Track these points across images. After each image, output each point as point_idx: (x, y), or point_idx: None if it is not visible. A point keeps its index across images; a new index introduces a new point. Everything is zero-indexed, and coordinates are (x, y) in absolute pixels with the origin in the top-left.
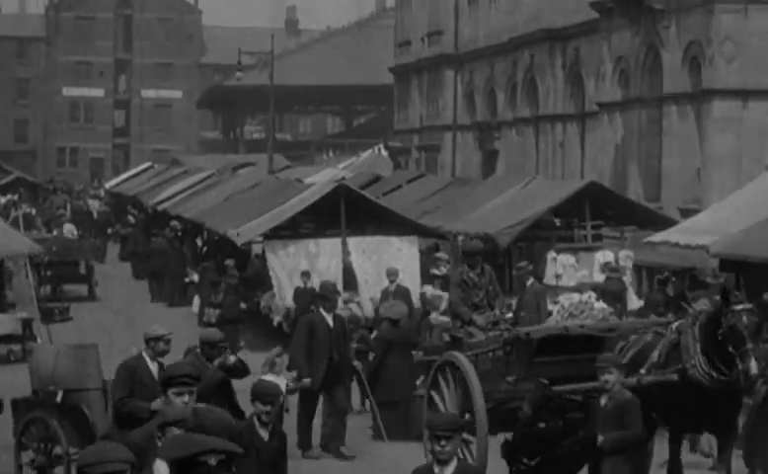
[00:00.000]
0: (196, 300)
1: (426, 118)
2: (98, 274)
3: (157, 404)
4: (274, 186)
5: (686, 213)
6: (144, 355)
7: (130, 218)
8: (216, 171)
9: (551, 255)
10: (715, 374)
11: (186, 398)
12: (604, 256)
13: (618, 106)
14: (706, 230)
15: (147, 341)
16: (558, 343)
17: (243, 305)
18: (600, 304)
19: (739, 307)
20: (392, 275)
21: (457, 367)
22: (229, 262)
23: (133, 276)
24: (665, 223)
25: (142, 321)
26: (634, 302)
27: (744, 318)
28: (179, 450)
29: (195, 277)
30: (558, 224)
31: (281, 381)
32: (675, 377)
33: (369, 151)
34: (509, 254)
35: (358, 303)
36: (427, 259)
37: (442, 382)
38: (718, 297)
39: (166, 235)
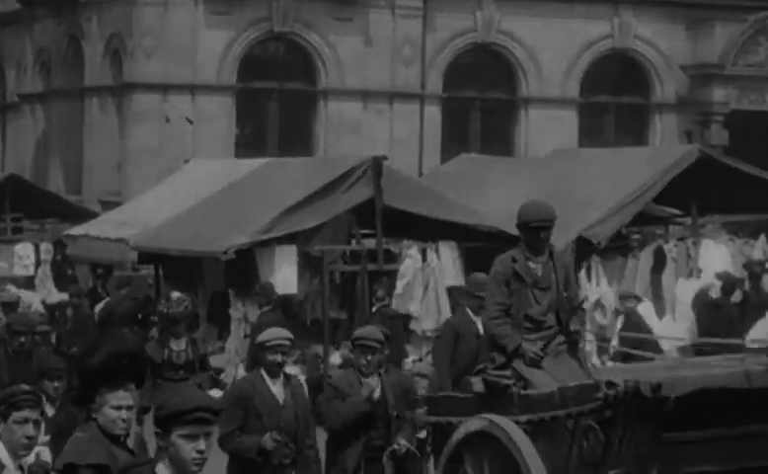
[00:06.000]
0: None
1: None
2: None
3: (266, 440)
4: None
5: (107, 206)
6: (262, 371)
7: None
8: None
9: None
10: None
11: None
12: (24, 248)
13: (39, 98)
14: (126, 223)
15: (262, 349)
16: (705, 403)
17: None
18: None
19: None
20: None
21: (501, 444)
22: None
23: None
24: (86, 216)
25: None
26: (54, 296)
27: None
28: None
29: None
30: None
31: None
32: None
33: None
34: None
35: None
36: None
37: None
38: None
39: None
